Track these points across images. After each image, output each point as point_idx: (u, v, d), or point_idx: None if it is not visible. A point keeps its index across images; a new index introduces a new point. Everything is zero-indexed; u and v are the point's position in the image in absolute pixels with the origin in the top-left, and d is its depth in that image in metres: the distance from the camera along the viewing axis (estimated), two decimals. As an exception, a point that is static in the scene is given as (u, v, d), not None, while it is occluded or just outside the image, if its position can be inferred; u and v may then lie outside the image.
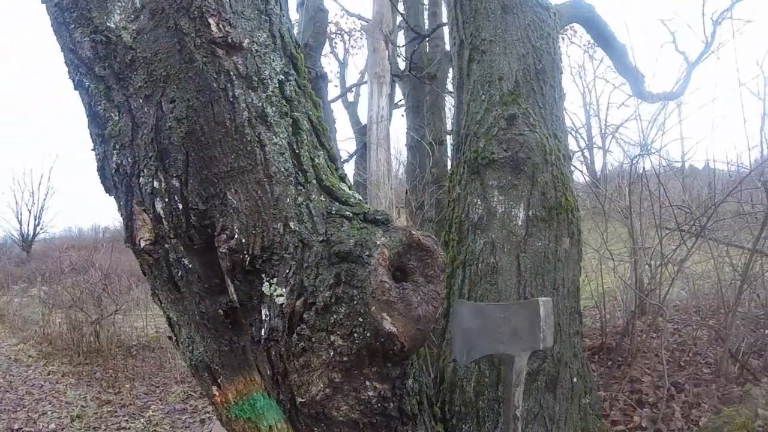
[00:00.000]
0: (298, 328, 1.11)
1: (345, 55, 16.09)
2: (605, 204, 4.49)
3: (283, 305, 1.13)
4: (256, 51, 1.21)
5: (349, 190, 1.28)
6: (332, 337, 1.10)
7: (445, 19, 7.04)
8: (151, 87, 1.16)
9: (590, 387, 2.43)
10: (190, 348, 1.40)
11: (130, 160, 1.21)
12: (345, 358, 1.11)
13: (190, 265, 1.25)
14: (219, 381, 1.37)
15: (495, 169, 2.16)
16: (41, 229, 19.22)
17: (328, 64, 14.41)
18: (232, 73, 1.16)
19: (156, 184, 1.19)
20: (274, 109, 1.21)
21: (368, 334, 1.08)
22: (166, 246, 1.25)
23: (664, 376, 3.05)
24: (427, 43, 7.26)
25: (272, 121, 1.20)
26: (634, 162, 4.20)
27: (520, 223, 2.15)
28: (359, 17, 9.04)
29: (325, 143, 1.31)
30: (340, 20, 13.56)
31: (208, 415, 5.37)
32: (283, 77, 1.25)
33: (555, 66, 2.41)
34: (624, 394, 3.28)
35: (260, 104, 1.19)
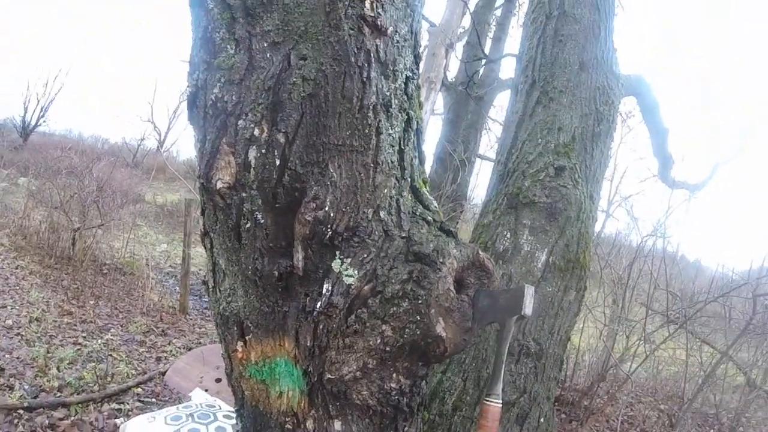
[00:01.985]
0: (359, 310, 1.18)
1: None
2: (603, 268, 4.64)
3: (352, 286, 1.18)
4: (397, 41, 1.22)
5: (430, 195, 1.36)
6: (384, 327, 1.16)
7: (506, 48, 7.18)
8: (282, 35, 1.14)
9: (551, 431, 2.56)
10: (229, 299, 1.41)
11: (234, 98, 1.18)
12: (388, 348, 1.18)
13: (263, 221, 1.26)
14: (247, 338, 1.39)
15: (532, 211, 2.27)
16: (44, 121, 18.89)
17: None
18: (372, 55, 1.16)
19: (257, 132, 1.18)
20: (397, 101, 1.23)
21: (419, 332, 1.16)
22: (244, 195, 1.24)
23: (615, 443, 3.20)
24: (483, 65, 7.37)
25: (393, 112, 1.22)
26: (644, 241, 4.34)
27: (539, 265, 2.26)
28: (423, 17, 9.05)
29: (421, 146, 1.36)
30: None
31: (165, 354, 5.39)
32: (410, 74, 1.28)
33: (609, 133, 2.53)
34: (572, 448, 3.43)
35: (388, 93, 1.20)
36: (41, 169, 9.61)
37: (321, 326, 1.22)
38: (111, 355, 5.09)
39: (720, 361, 4.06)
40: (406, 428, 1.43)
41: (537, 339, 2.27)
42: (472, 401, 2.15)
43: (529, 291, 1.12)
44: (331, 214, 1.18)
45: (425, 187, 1.36)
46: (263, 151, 1.20)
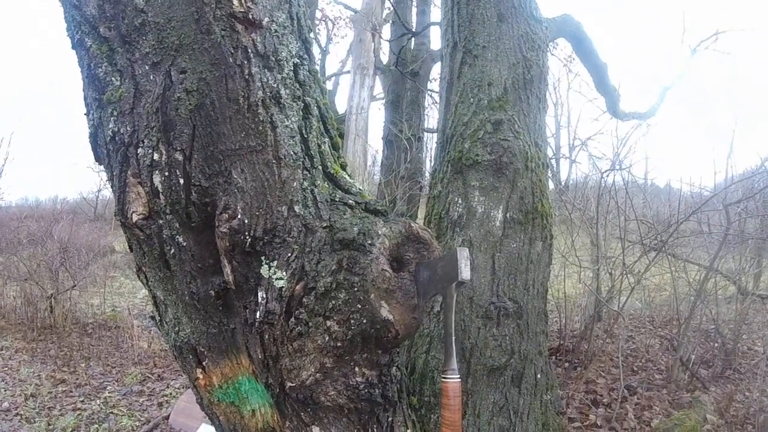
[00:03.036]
0: (296, 312, 1.13)
1: (327, 42, 16.00)
2: (572, 213, 4.65)
3: (283, 289, 1.14)
4: (275, 31, 1.18)
5: (350, 178, 1.31)
6: (329, 323, 1.12)
7: (433, 18, 7.16)
8: (160, 54, 1.12)
9: (551, 384, 2.54)
10: (176, 329, 1.37)
11: (128, 128, 1.17)
12: (339, 344, 1.14)
13: (185, 243, 1.23)
14: (204, 363, 1.36)
15: (478, 171, 2.23)
16: (-2, 196, 18.34)
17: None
18: (250, 51, 1.13)
19: (156, 156, 1.15)
20: (287, 91, 1.20)
21: (365, 321, 1.12)
22: (161, 222, 1.22)
23: (620, 378, 3.21)
24: (413, 41, 7.31)
25: (285, 103, 1.19)
26: (604, 176, 4.36)
27: (497, 224, 2.23)
28: (346, 6, 8.98)
29: (330, 130, 1.31)
30: (326, 7, 13.45)
31: (165, 398, 5.31)
32: (298, 60, 1.24)
33: (542, 78, 2.50)
34: (580, 393, 3.44)
35: (275, 85, 1.17)
36: (2, 244, 9.32)
37: (266, 336, 1.18)
38: (112, 412, 4.99)
39: (707, 276, 4.10)
40: (389, 418, 1.40)
41: (513, 297, 2.24)
42: (461, 374, 2.11)
43: (463, 254, 1.08)
44: (246, 221, 1.14)
45: (344, 171, 1.32)
46: (166, 173, 1.17)
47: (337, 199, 1.23)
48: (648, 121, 5.14)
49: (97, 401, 5.20)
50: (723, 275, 4.81)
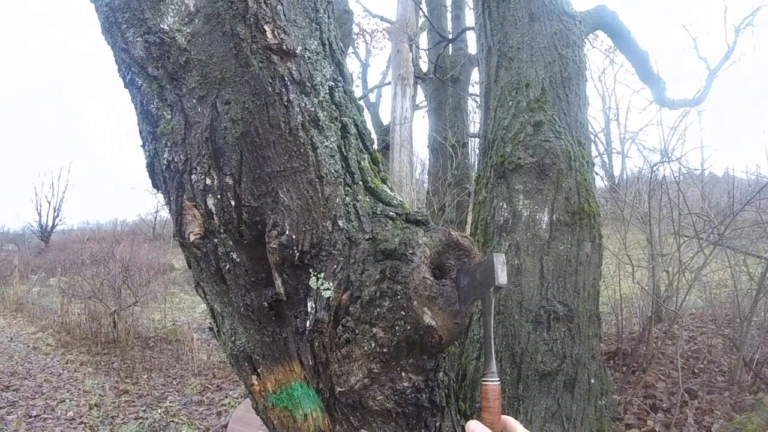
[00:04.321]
0: (344, 320, 1.18)
1: (367, 56, 16.23)
2: (624, 210, 4.51)
3: (330, 298, 1.19)
4: (309, 58, 1.25)
5: (391, 191, 1.35)
6: (374, 330, 1.16)
7: (468, 23, 7.14)
8: (205, 88, 1.20)
9: (606, 389, 2.48)
10: (233, 339, 1.46)
11: (182, 157, 1.25)
12: (385, 350, 1.17)
13: (238, 259, 1.31)
14: (259, 370, 1.43)
15: (521, 174, 2.22)
16: (60, 220, 19.58)
17: (349, 64, 14.54)
18: (286, 79, 1.20)
19: (208, 181, 1.23)
20: (325, 113, 1.26)
21: (409, 327, 1.15)
22: (215, 240, 1.31)
23: (679, 382, 3.08)
24: (450, 46, 7.31)
25: (323, 125, 1.25)
26: (655, 169, 4.21)
27: (544, 226, 2.21)
28: (382, 18, 9.11)
29: (368, 146, 1.37)
30: (362, 21, 13.68)
31: (224, 407, 5.48)
32: (332, 83, 1.30)
33: (580, 74, 2.46)
34: (638, 398, 3.32)
35: (313, 109, 1.24)
36: (67, 265, 9.93)
37: (316, 343, 1.23)
38: (172, 421, 5.21)
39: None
40: (437, 423, 1.41)
41: (563, 301, 2.21)
42: (512, 380, 2.10)
43: (499, 259, 1.09)
44: (294, 236, 1.20)
45: (385, 185, 1.37)
46: (219, 196, 1.26)
47: (379, 212, 1.28)
48: (698, 107, 4.93)
49: (159, 410, 5.44)
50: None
